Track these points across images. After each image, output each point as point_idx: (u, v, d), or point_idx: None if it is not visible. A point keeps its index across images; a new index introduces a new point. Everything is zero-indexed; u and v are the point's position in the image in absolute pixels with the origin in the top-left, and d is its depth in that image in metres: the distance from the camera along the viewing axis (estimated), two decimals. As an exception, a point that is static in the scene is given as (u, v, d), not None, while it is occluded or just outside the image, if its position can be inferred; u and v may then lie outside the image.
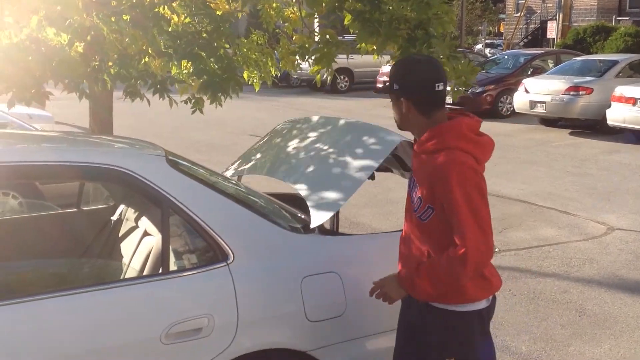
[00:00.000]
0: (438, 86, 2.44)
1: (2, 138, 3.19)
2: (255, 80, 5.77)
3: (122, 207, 3.72)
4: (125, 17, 4.53)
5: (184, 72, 5.10)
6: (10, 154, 2.76)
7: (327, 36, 4.46)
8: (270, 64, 5.73)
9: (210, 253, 2.67)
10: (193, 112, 5.22)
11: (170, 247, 2.66)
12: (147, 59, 4.59)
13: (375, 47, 4.34)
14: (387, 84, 2.51)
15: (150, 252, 3.07)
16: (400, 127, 2.58)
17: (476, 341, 2.53)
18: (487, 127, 13.67)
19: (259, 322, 2.66)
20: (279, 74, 6.12)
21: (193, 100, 5.23)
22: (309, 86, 22.87)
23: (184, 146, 11.00)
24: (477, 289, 2.49)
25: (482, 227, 2.34)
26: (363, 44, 4.34)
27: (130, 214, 3.59)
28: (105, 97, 5.51)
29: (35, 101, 4.48)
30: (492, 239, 2.39)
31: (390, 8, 4.14)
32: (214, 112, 6.45)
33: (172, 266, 2.71)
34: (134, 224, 3.49)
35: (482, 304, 2.53)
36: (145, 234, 3.27)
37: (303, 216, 3.19)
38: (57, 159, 2.75)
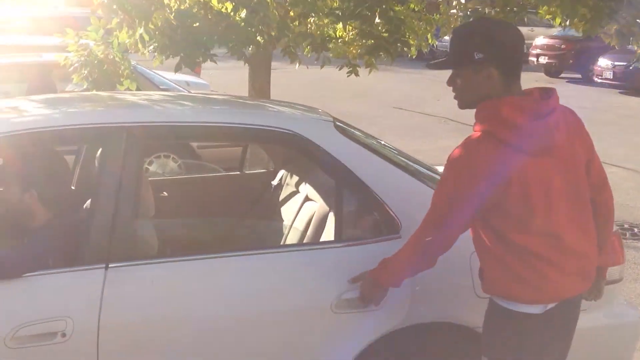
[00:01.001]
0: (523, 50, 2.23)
1: (172, 99, 3.27)
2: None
3: (282, 172, 3.73)
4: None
5: (348, 36, 5.02)
6: (182, 114, 2.81)
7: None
8: (428, 30, 5.54)
9: (382, 223, 2.58)
10: (348, 75, 5.18)
11: (342, 215, 2.60)
12: (309, 20, 4.55)
13: (557, 12, 3.97)
14: (452, 55, 2.21)
15: (312, 218, 3.04)
16: (467, 106, 2.24)
17: (513, 346, 2.22)
18: (652, 105, 12.14)
19: (430, 295, 2.56)
20: (436, 44, 5.93)
21: (349, 68, 5.19)
22: (454, 59, 22.26)
23: (329, 117, 11.01)
24: (525, 288, 2.17)
25: (436, 211, 2.20)
26: (541, 10, 4.00)
27: (290, 179, 3.59)
28: (264, 63, 5.58)
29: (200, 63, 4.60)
30: (445, 231, 2.20)
31: None
32: (359, 84, 6.35)
33: (345, 234, 2.65)
34: (295, 189, 3.48)
35: (534, 309, 2.18)
36: (307, 199, 3.24)
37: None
38: (228, 120, 2.77)
